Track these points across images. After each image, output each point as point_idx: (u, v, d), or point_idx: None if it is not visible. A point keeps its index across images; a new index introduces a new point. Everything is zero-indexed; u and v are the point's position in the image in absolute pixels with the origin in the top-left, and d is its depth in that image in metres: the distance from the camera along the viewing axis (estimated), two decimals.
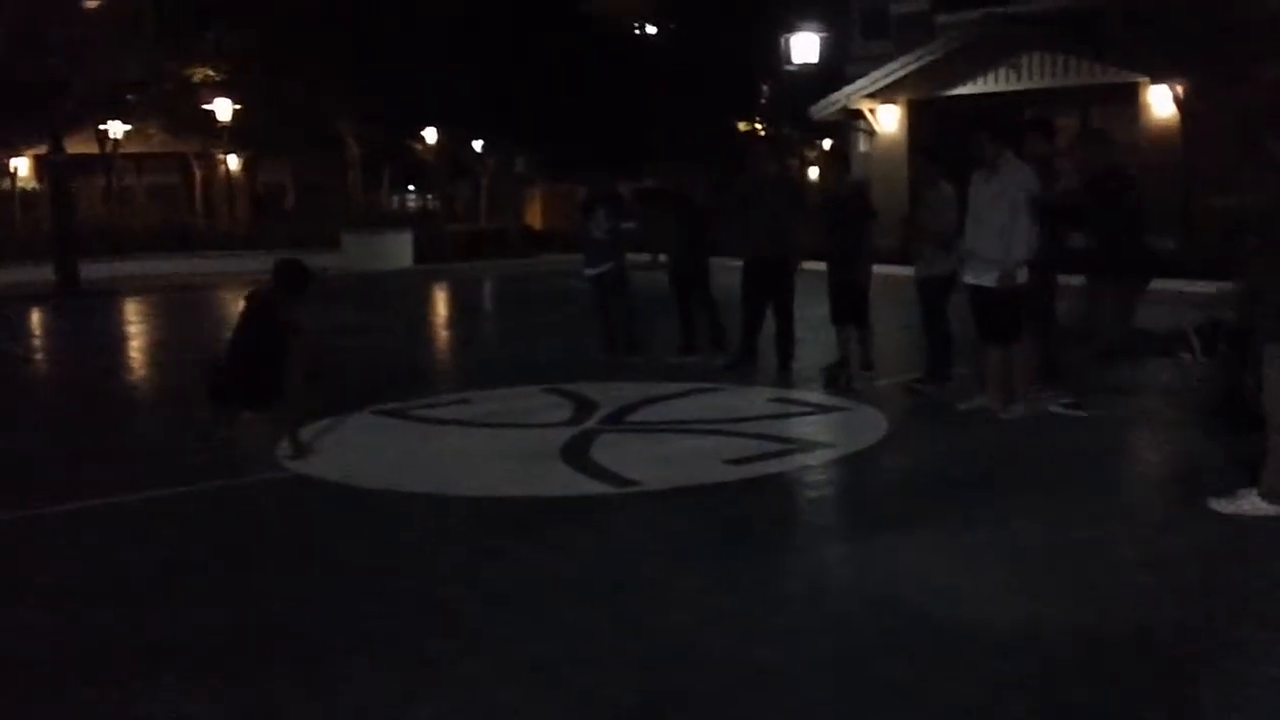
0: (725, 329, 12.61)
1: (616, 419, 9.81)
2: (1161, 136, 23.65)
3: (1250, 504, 6.64)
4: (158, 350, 16.40)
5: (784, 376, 11.52)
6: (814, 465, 8.25)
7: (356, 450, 8.96)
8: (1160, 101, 23.63)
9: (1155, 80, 23.42)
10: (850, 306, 11.09)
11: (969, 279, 9.44)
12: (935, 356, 10.47)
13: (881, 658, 4.90)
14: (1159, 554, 6.12)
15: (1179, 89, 22.99)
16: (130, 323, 20.31)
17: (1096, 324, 8.97)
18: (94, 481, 8.14)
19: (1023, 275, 9.05)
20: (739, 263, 12.05)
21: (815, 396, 10.66)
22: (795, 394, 10.81)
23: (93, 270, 26.37)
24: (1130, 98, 24.15)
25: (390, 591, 5.86)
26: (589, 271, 13.13)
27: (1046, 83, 25.19)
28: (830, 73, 30.49)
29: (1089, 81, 24.46)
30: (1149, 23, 21.58)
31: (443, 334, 18.20)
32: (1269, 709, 4.34)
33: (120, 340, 17.62)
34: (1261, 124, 6.89)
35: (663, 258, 12.46)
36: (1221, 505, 6.71)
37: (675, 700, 4.55)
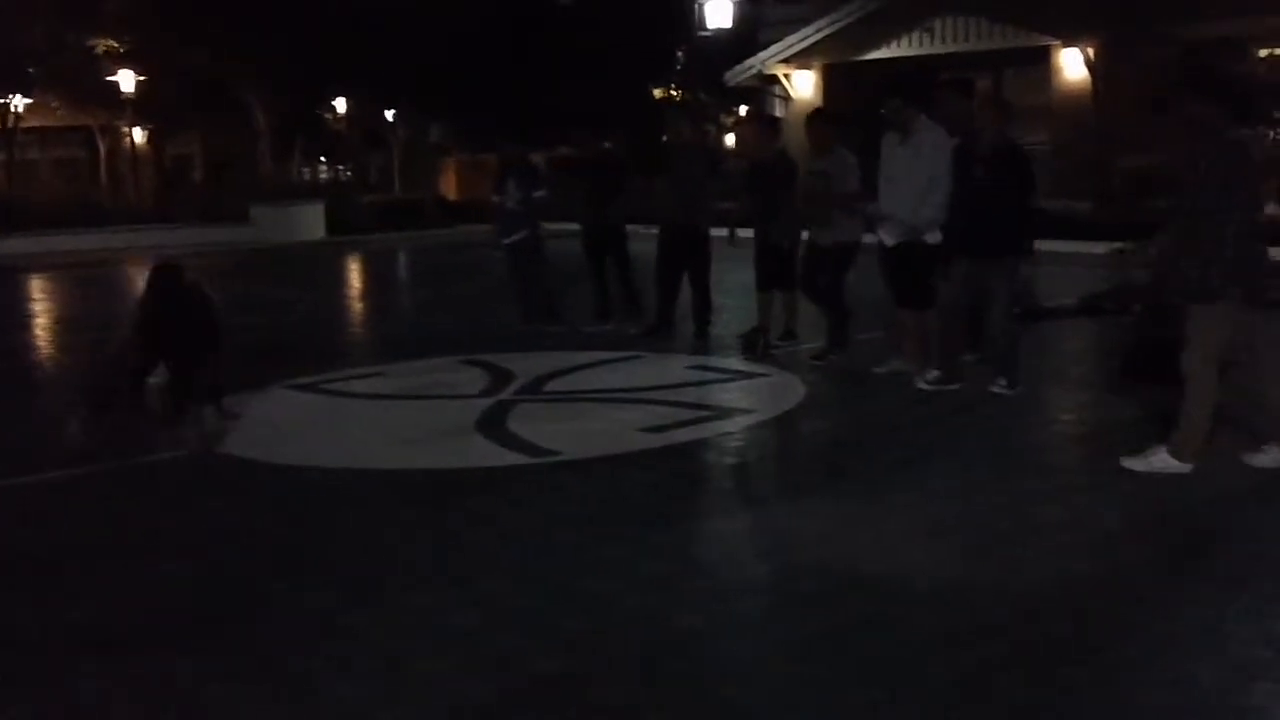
0: (639, 295, 12.54)
1: (533, 389, 9.70)
2: (1073, 99, 23.92)
3: (1161, 461, 6.69)
4: (63, 328, 15.99)
5: (702, 343, 11.48)
6: (732, 431, 8.20)
7: (268, 426, 8.76)
8: (1072, 64, 23.86)
9: (1067, 43, 23.63)
10: (776, 271, 11.01)
11: (885, 240, 9.43)
12: (837, 324, 10.48)
13: (804, 618, 4.88)
14: (1076, 512, 6.16)
15: (1090, 51, 23.22)
16: (35, 300, 19.82)
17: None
18: None
19: (934, 236, 9.00)
20: (653, 229, 11.96)
21: (733, 363, 10.63)
22: (713, 361, 10.76)
23: None
24: (1042, 61, 24.37)
25: (306, 567, 5.72)
26: (504, 241, 12.98)
27: (960, 46, 25.36)
28: (745, 37, 30.44)
29: (1002, 45, 24.65)
30: None
31: (356, 306, 17.96)
32: (1186, 663, 4.36)
33: (24, 318, 17.16)
34: (1175, 84, 6.90)
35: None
36: (1134, 463, 6.75)
37: (599, 667, 4.48)
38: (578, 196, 12.96)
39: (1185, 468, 6.64)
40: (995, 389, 8.66)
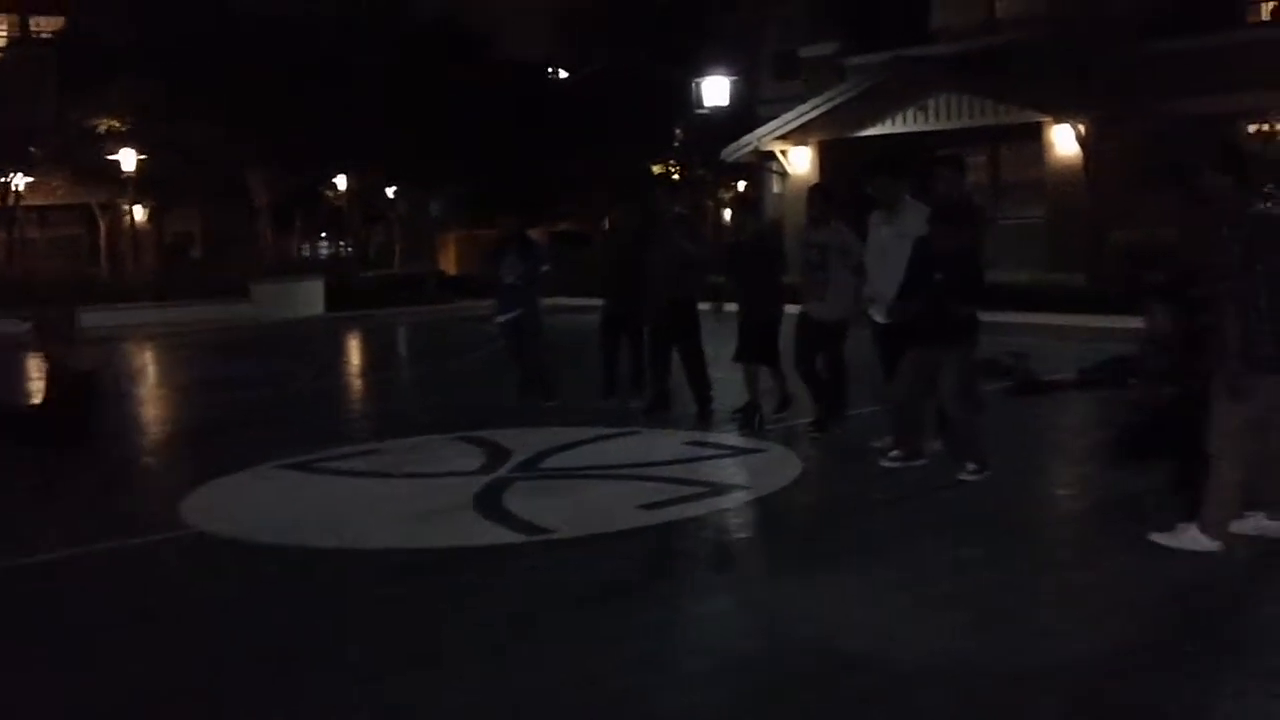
0: (645, 372, 12.44)
1: (530, 466, 9.67)
2: (1066, 174, 24.09)
3: (1191, 538, 6.54)
4: None
5: (703, 420, 11.40)
6: (728, 508, 8.17)
7: (259, 505, 8.73)
8: (1064, 140, 24.05)
9: (1058, 120, 23.85)
10: (757, 346, 11.00)
11: (877, 318, 9.44)
12: (835, 395, 10.47)
13: (797, 697, 4.85)
14: (1070, 589, 6.12)
15: (1081, 127, 23.42)
16: (30, 379, 19.79)
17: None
18: None
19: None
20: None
21: (730, 439, 10.60)
22: (710, 436, 10.74)
23: None
24: (1035, 136, 24.57)
25: (295, 649, 5.68)
26: (501, 317, 12.95)
27: (954, 123, 25.55)
28: (743, 114, 30.76)
29: (995, 122, 24.85)
30: (1051, 62, 22.04)
31: (353, 382, 17.95)
32: None
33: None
34: (1191, 159, 6.83)
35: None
36: (1163, 539, 6.62)
37: None
38: (577, 272, 12.89)
39: (1214, 545, 6.49)
40: (964, 476, 8.45)
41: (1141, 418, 7.78)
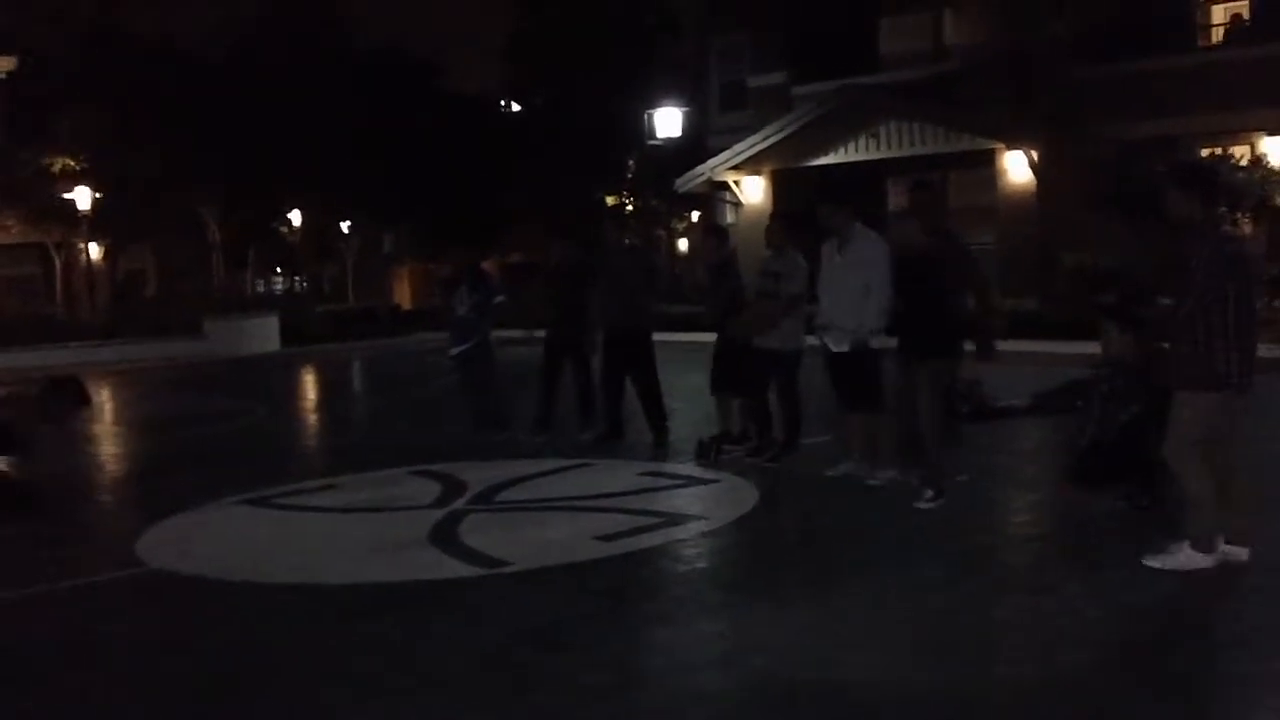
0: (594, 403, 12.42)
1: (486, 499, 9.66)
2: (1018, 200, 24.33)
3: (1186, 556, 6.59)
4: None
5: (659, 450, 11.42)
6: (684, 539, 8.18)
7: (215, 542, 8.68)
8: (1015, 166, 24.29)
9: (1010, 146, 24.08)
10: (726, 375, 11.00)
11: (831, 347, 9.50)
12: (790, 425, 10.52)
13: None
14: (1027, 615, 6.16)
15: (1033, 153, 23.67)
16: None
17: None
18: None
19: (877, 341, 9.09)
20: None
21: (685, 469, 10.61)
22: (665, 467, 10.75)
23: None
24: (987, 163, 24.79)
25: (255, 685, 5.65)
26: (454, 350, 12.94)
27: (905, 150, 25.76)
28: (695, 144, 30.92)
29: (946, 149, 25.07)
30: (1001, 89, 22.29)
31: (309, 417, 17.86)
32: None
33: None
34: (1159, 182, 6.92)
35: (539, 333, 12.30)
36: (1157, 561, 6.65)
37: None
38: (531, 304, 12.89)
39: (1209, 560, 6.56)
40: (920, 504, 8.46)
41: (1099, 441, 7.88)
